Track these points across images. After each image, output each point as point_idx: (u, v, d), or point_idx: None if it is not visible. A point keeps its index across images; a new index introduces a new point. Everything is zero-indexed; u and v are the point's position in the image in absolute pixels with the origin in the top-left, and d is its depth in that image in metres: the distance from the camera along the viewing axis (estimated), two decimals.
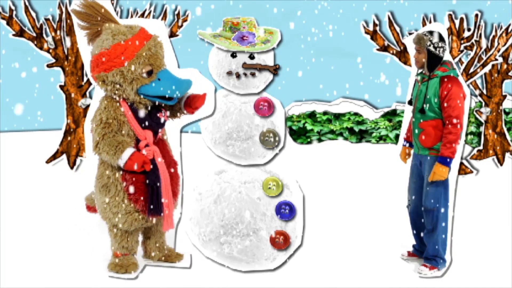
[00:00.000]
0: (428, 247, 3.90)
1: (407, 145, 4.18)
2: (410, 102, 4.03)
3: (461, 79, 3.85)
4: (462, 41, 8.14)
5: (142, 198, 3.65)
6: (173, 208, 3.79)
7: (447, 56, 3.87)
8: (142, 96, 3.61)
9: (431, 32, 3.82)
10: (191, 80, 3.70)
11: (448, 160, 3.71)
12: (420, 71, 3.95)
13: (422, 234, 4.00)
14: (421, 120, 3.85)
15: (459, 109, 3.73)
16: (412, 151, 4.10)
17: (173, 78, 3.65)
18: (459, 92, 3.75)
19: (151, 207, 3.65)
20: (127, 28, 3.64)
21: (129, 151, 3.56)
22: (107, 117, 3.60)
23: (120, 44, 3.54)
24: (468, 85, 7.55)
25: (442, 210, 3.83)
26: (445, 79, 3.77)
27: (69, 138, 8.20)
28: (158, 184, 3.64)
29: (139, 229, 3.88)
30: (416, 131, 3.90)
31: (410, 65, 8.01)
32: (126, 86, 3.57)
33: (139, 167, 3.58)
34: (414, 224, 4.09)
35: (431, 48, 3.79)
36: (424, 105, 3.81)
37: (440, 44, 3.80)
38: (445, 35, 3.88)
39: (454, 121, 3.71)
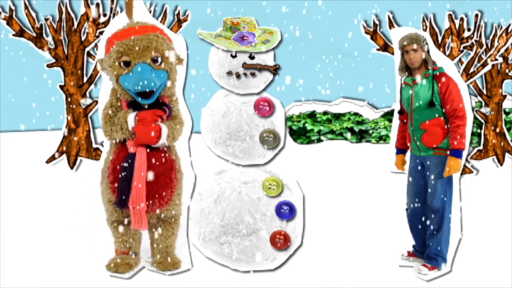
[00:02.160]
0: (431, 247, 3.88)
1: (401, 153, 4.16)
2: (400, 112, 4.03)
3: (448, 73, 3.87)
4: (462, 41, 8.14)
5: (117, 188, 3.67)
6: (144, 206, 3.58)
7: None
8: (123, 87, 3.60)
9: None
10: (152, 78, 3.51)
11: (461, 152, 3.72)
12: (407, 76, 3.95)
13: (422, 236, 3.98)
14: (421, 121, 3.84)
15: (461, 100, 3.76)
16: (407, 157, 4.09)
17: (139, 73, 3.50)
18: (455, 85, 3.80)
19: (119, 197, 3.63)
20: (142, 22, 3.70)
21: (132, 113, 3.59)
22: (110, 104, 3.73)
23: (121, 30, 3.63)
24: (468, 85, 7.56)
25: (448, 209, 3.83)
26: (439, 76, 3.80)
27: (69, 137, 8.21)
28: (127, 173, 3.59)
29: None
30: (417, 133, 3.88)
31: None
32: (108, 72, 3.63)
33: (154, 115, 3.58)
34: (414, 227, 4.06)
35: (426, 45, 3.84)
36: (420, 102, 3.81)
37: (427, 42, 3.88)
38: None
39: (459, 112, 3.72)
